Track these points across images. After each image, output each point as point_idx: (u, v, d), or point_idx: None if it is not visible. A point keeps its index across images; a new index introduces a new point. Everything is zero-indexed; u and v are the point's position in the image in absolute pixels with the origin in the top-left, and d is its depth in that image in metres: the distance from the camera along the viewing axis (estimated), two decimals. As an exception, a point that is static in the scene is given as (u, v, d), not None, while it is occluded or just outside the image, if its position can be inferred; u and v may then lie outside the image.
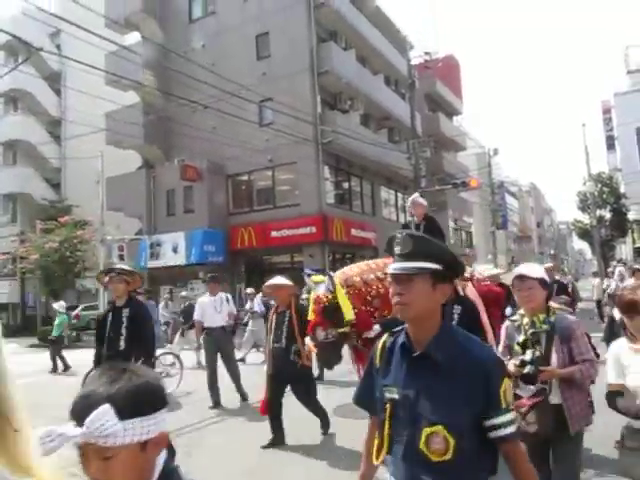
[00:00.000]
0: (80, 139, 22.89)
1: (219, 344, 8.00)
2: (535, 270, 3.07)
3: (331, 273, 4.92)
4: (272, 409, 5.56)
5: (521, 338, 3.02)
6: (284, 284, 5.70)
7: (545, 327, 2.96)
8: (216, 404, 7.62)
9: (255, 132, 19.44)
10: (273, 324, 5.66)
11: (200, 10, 23.48)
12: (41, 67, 26.75)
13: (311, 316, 4.64)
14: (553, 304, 3.16)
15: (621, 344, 2.72)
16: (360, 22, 23.29)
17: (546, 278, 3.07)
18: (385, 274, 4.45)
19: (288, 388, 5.64)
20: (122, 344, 5.04)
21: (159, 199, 22.57)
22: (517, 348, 3.02)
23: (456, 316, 3.80)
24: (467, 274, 5.00)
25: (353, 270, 5.08)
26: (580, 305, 12.99)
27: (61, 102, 28.41)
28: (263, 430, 5.62)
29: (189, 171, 20.90)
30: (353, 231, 21.67)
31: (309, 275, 5.18)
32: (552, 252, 74.50)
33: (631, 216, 27.30)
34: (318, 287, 4.73)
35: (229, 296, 8.69)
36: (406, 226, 5.89)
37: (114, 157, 22.71)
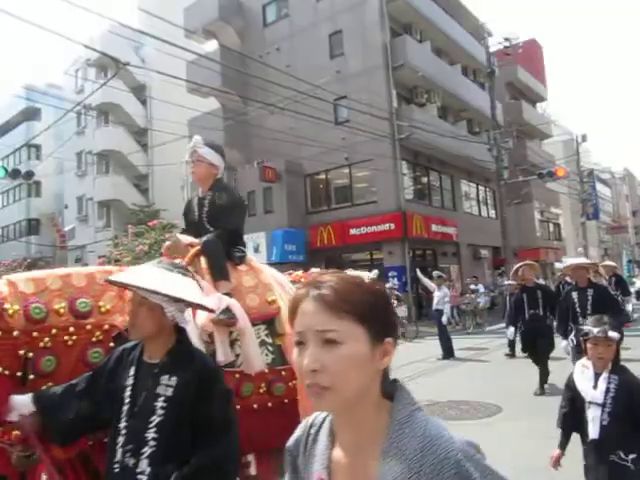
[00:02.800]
0: (165, 146, 23.94)
1: None
2: None
3: None
4: None
5: None
6: None
7: None
8: None
9: (331, 131, 19.52)
10: None
11: (274, 14, 23.87)
12: (128, 80, 28.26)
13: None
14: None
15: None
16: (434, 12, 22.75)
17: None
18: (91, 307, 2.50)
19: None
20: None
21: (240, 201, 23.17)
22: None
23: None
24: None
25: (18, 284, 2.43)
26: None
27: (147, 112, 29.89)
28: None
29: (268, 172, 21.33)
30: (433, 227, 21.24)
31: None
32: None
33: None
34: None
35: None
36: (190, 204, 3.59)
37: (197, 162, 23.55)
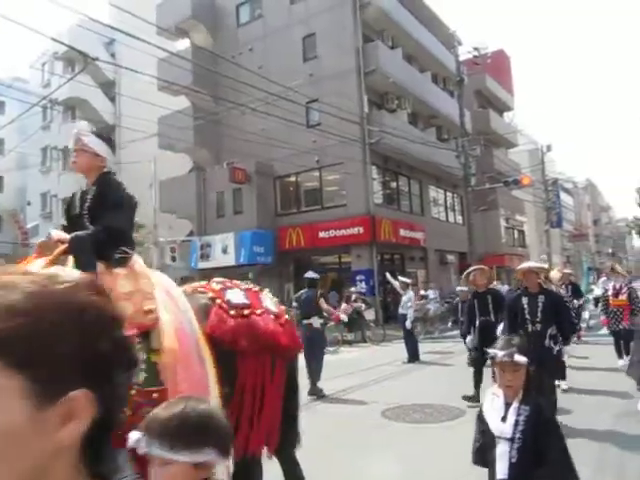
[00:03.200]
0: (134, 144, 23.59)
1: None
2: None
3: None
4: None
5: None
6: None
7: None
8: None
9: (302, 133, 19.52)
10: None
11: (247, 14, 23.79)
12: (97, 75, 27.75)
13: None
14: None
15: None
16: (406, 20, 23.03)
17: None
18: None
19: None
20: None
21: (209, 201, 22.99)
22: None
23: None
24: None
25: None
26: None
27: (115, 109, 29.38)
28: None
29: (238, 173, 21.20)
30: (402, 231, 21.45)
31: None
32: (610, 251, 71.67)
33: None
34: None
35: None
36: (72, 198, 3.22)
37: (167, 161, 23.30)
